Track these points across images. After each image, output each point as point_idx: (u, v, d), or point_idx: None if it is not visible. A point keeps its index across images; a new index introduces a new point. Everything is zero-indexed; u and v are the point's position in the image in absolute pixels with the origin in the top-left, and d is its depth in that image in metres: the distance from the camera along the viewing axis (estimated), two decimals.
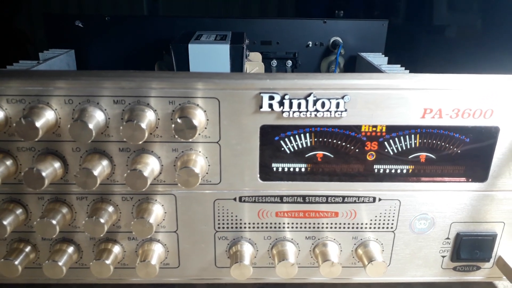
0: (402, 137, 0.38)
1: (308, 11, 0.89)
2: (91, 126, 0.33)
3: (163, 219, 0.40)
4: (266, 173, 0.39)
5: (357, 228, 0.41)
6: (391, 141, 0.38)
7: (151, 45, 0.65)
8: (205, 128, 0.37)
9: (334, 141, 0.38)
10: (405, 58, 0.64)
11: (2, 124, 0.35)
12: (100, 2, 0.88)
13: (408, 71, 0.53)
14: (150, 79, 0.35)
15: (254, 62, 0.60)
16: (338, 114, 0.37)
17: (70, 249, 0.40)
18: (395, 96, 0.37)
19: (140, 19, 0.68)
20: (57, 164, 0.36)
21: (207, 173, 0.38)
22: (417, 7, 0.80)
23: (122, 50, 0.65)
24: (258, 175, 0.39)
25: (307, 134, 0.38)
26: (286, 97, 0.36)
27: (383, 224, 0.41)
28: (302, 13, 0.89)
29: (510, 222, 0.42)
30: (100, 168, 0.36)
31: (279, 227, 0.41)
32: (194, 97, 0.36)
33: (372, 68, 0.57)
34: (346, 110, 0.37)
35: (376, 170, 0.39)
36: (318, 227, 0.41)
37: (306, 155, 0.39)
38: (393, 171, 0.39)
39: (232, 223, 0.41)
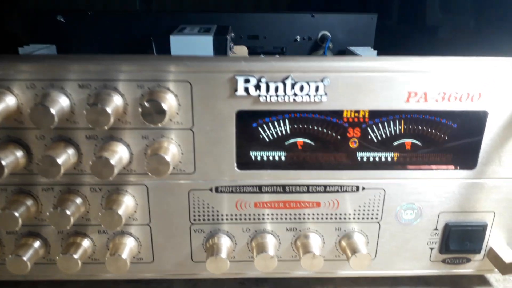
0: (386, 123, 0.36)
1: (301, 6, 0.87)
2: (53, 111, 0.31)
3: (135, 211, 0.38)
4: (244, 162, 0.37)
5: (340, 218, 0.39)
6: (374, 127, 0.37)
7: (136, 41, 0.62)
8: (177, 113, 0.35)
9: (315, 127, 0.36)
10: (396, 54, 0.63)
11: None
12: None
13: None
14: (118, 61, 0.33)
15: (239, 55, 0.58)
16: (318, 99, 0.35)
17: (37, 244, 0.38)
18: (378, 79, 0.35)
19: (125, 14, 0.66)
20: (19, 153, 0.34)
21: (180, 162, 0.36)
22: (408, 3, 0.78)
23: (106, 45, 0.63)
24: (235, 164, 0.37)
25: (286, 120, 0.36)
26: (263, 80, 0.34)
27: (368, 214, 0.39)
28: (295, 7, 0.87)
29: (501, 212, 0.40)
30: (65, 156, 0.33)
31: (259, 219, 0.39)
32: (165, 81, 0.34)
33: None
34: (326, 94, 0.35)
35: (359, 158, 0.37)
36: (299, 218, 0.39)
37: (286, 143, 0.37)
38: (377, 158, 0.38)
39: (208, 215, 0.39)
